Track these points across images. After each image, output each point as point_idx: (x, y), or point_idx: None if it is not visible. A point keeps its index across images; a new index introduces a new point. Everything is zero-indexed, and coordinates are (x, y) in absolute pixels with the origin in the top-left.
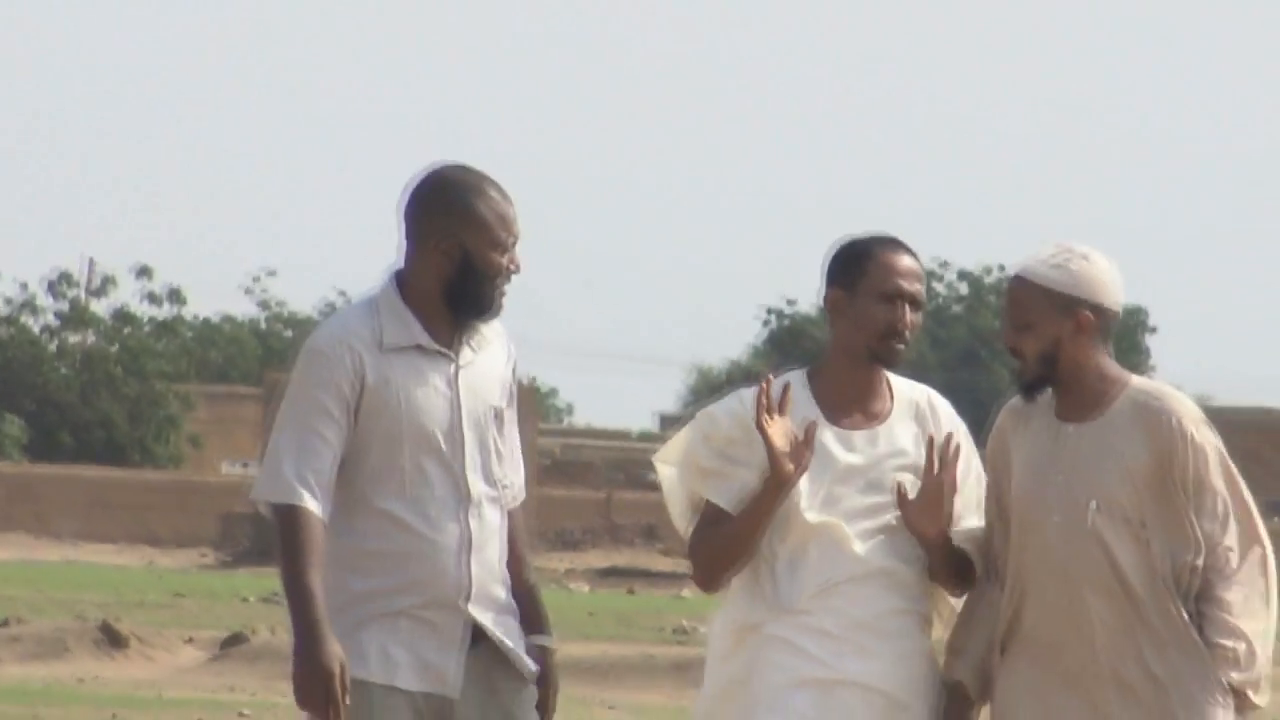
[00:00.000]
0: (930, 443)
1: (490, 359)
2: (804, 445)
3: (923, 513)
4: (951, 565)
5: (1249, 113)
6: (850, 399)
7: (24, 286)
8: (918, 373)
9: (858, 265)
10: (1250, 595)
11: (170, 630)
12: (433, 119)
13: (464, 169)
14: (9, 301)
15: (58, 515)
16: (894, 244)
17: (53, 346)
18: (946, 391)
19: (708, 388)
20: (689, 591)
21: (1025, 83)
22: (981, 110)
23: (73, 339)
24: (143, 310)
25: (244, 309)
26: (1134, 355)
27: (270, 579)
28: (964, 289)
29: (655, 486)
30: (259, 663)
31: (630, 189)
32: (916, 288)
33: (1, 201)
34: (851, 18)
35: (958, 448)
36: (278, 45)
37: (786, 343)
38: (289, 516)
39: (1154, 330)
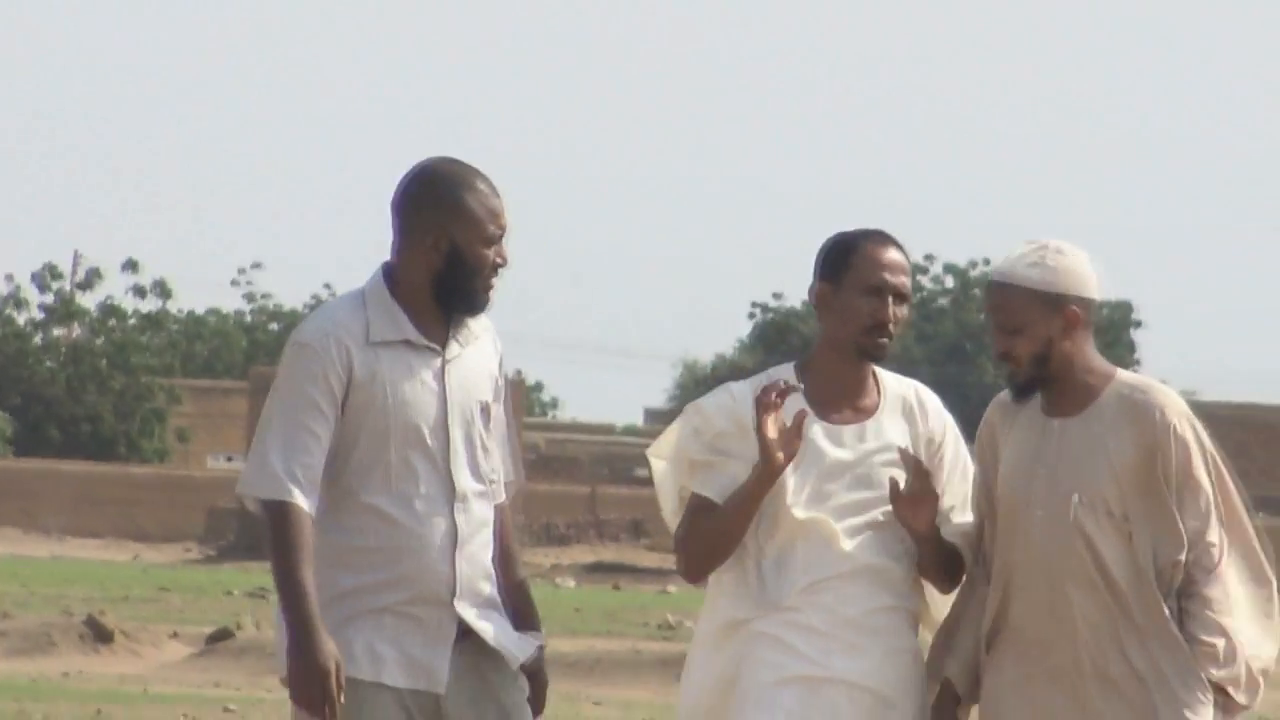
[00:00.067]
0: (920, 439)
1: (478, 354)
2: (794, 434)
3: (913, 506)
4: (940, 560)
5: (1236, 107)
6: (838, 394)
7: (10, 279)
8: (904, 367)
9: (844, 259)
10: (1231, 591)
11: (156, 625)
12: (421, 113)
13: (453, 163)
14: None
15: (44, 510)
16: (881, 237)
17: (39, 340)
18: (933, 386)
19: (695, 382)
20: (675, 587)
21: (1012, 78)
22: (969, 106)
23: (59, 333)
24: (129, 304)
25: (231, 303)
26: (1121, 350)
27: (256, 574)
28: (951, 283)
29: (641, 482)
30: (245, 658)
31: (618, 184)
32: (902, 281)
33: None
34: (839, 15)
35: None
36: (266, 40)
37: (774, 337)
38: (279, 512)
39: (1140, 325)
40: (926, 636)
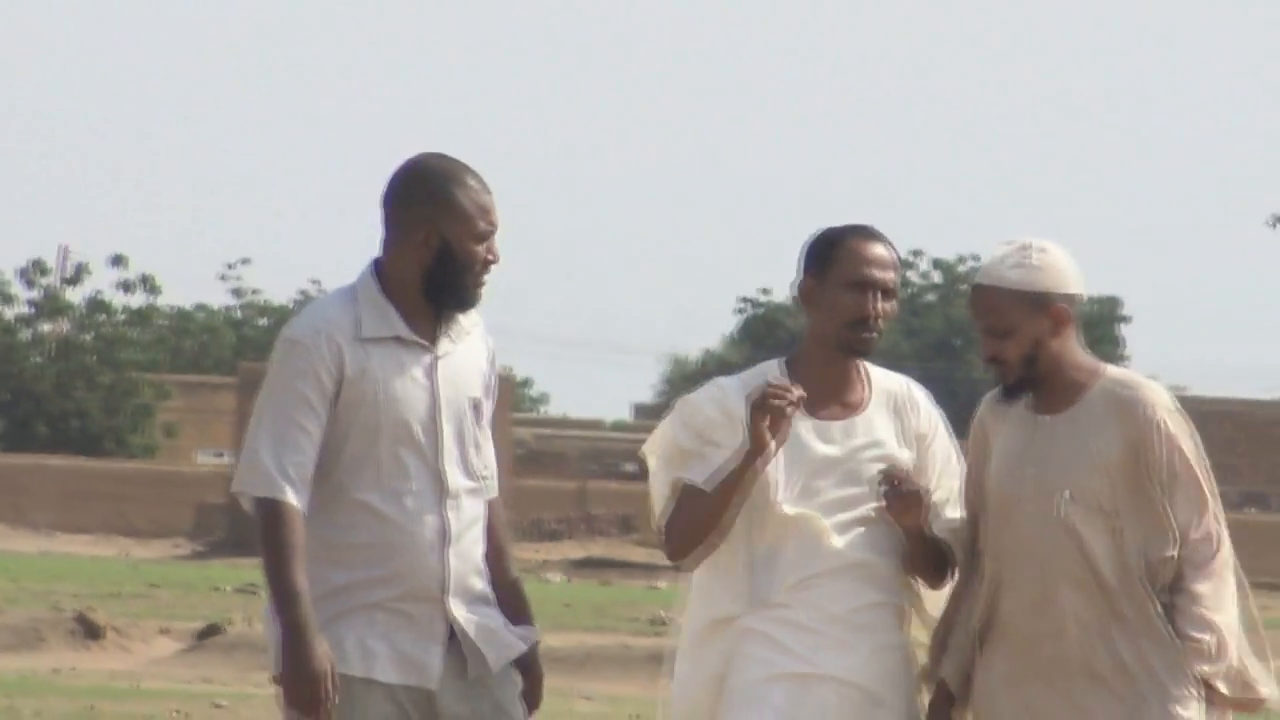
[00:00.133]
0: (910, 434)
1: (469, 350)
2: (782, 418)
3: (902, 506)
4: (930, 557)
5: (1223, 103)
6: (826, 390)
7: None
8: (892, 362)
9: (828, 254)
10: (1221, 587)
11: (146, 621)
12: (409, 109)
13: (444, 158)
14: None
15: (33, 505)
16: (866, 232)
17: (27, 335)
18: (921, 381)
19: (683, 378)
20: (665, 582)
21: (1000, 74)
22: (956, 102)
23: (47, 328)
24: (117, 299)
25: (219, 298)
26: (1108, 345)
27: (246, 570)
28: (938, 278)
29: (631, 477)
30: (235, 653)
31: (606, 180)
32: (887, 276)
33: None
34: (827, 11)
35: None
36: (253, 35)
37: (761, 333)
38: (272, 511)
39: (1128, 320)
40: (918, 635)
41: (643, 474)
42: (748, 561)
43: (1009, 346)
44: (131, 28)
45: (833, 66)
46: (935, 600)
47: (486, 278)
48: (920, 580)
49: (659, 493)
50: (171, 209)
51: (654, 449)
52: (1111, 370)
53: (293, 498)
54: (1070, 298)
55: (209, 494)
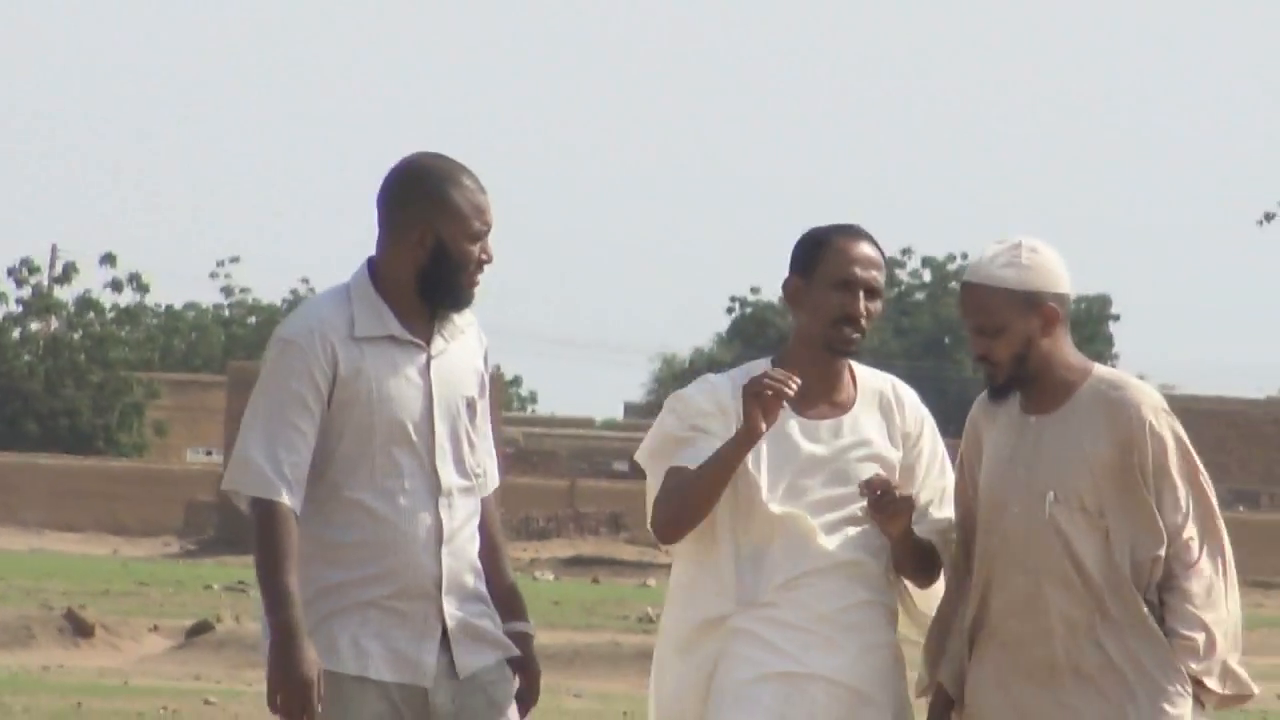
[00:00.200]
0: (897, 433)
1: (463, 349)
2: (775, 402)
3: (886, 511)
4: (916, 558)
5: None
6: (814, 389)
7: None
8: (881, 361)
9: (815, 253)
10: (1212, 585)
11: (136, 619)
12: (400, 108)
13: (439, 158)
14: None
15: (23, 504)
16: (853, 232)
17: (16, 334)
18: (910, 380)
19: (673, 376)
20: (654, 580)
21: (990, 73)
22: (946, 101)
23: (36, 326)
24: (107, 297)
25: (209, 297)
26: (1098, 344)
27: (235, 568)
28: (927, 276)
29: (620, 475)
30: (224, 651)
31: (598, 179)
32: (873, 275)
33: None
34: (817, 11)
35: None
36: (245, 35)
37: (751, 332)
38: (268, 512)
39: (1118, 319)
40: (906, 633)
41: (633, 472)
42: (734, 561)
43: (999, 345)
44: (122, 28)
45: (825, 67)
46: (923, 599)
47: (481, 277)
48: (907, 581)
49: (653, 485)
50: (162, 208)
51: (647, 446)
52: (1101, 370)
53: (287, 499)
54: (1060, 297)
55: (199, 492)
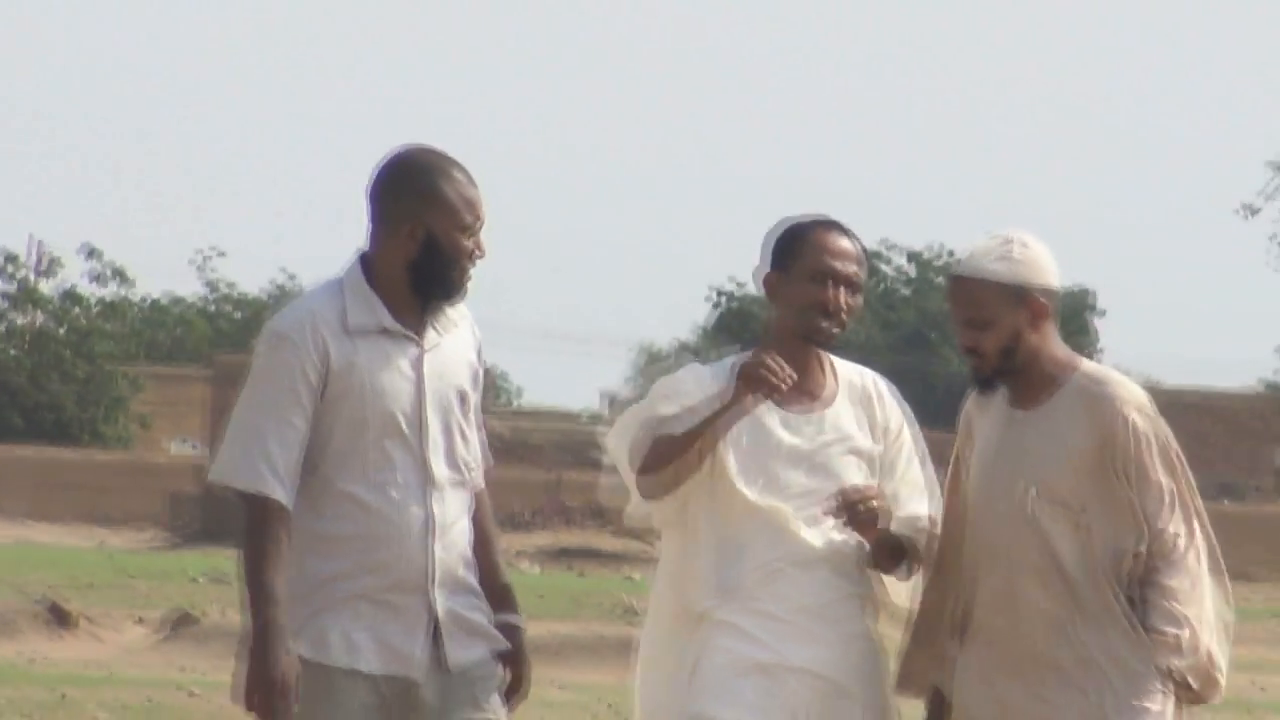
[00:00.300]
0: (877, 426)
1: (456, 342)
2: (769, 390)
3: (861, 522)
4: (889, 553)
5: (1195, 94)
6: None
7: None
8: (865, 355)
9: (792, 247)
10: (1194, 582)
11: (119, 610)
12: (384, 102)
13: (430, 152)
14: None
15: (7, 495)
16: (830, 225)
17: (1, 328)
18: (895, 373)
19: (653, 368)
20: (638, 573)
21: (971, 65)
22: (928, 93)
23: (20, 320)
24: (90, 291)
25: (192, 289)
26: (1081, 337)
27: (219, 559)
28: (912, 271)
29: (604, 468)
30: (208, 643)
31: (579, 172)
32: (850, 269)
33: None
34: (799, 3)
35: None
36: (228, 27)
37: (733, 324)
38: (259, 508)
39: (1101, 313)
40: (883, 627)
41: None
42: (715, 552)
43: (987, 338)
44: (104, 19)
45: (806, 59)
46: (894, 589)
47: (473, 270)
48: (880, 573)
49: (620, 444)
50: (145, 201)
51: (631, 418)
52: (1087, 366)
53: (279, 494)
54: (1050, 292)
55: (182, 484)
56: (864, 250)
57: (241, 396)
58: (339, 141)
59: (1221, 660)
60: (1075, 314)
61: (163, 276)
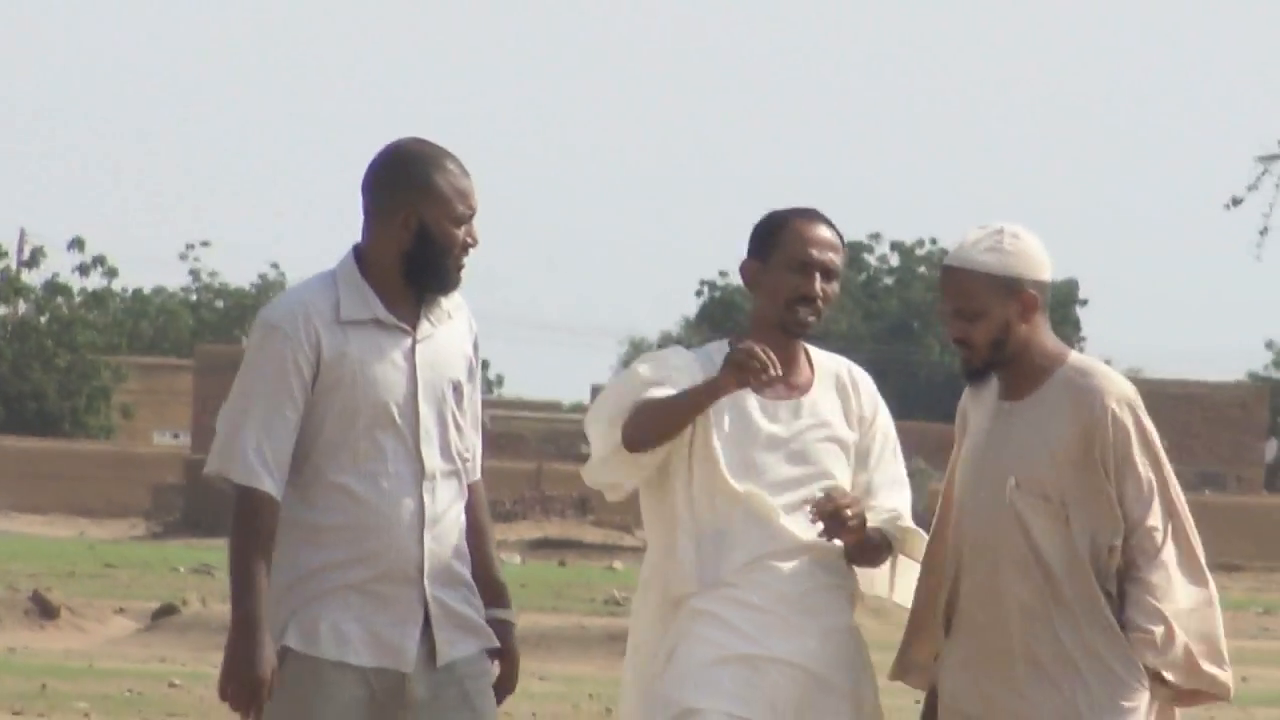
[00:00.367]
0: (853, 415)
1: (451, 332)
2: (754, 378)
3: (840, 527)
4: (863, 550)
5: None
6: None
7: None
8: (850, 344)
9: (772, 236)
10: (1173, 577)
11: (101, 601)
12: (372, 94)
13: (422, 143)
14: None
15: None
16: (809, 215)
17: None
18: (878, 364)
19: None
20: (621, 563)
21: (958, 57)
22: (913, 84)
23: (4, 310)
24: (74, 281)
25: (177, 280)
26: (1066, 328)
27: (202, 550)
28: (895, 261)
29: (587, 459)
30: (190, 633)
31: (566, 165)
32: (829, 258)
33: None
34: None
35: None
36: (215, 19)
37: (719, 315)
38: (249, 500)
39: (1085, 303)
40: (865, 622)
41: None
42: (696, 540)
43: (977, 330)
44: (91, 13)
45: (792, 53)
46: (866, 580)
47: (466, 261)
48: (855, 565)
49: (601, 403)
50: (130, 192)
51: (615, 388)
52: (1074, 358)
53: (270, 486)
54: (1040, 284)
55: (165, 475)
56: (842, 239)
57: (233, 387)
58: (331, 136)
59: (1208, 654)
60: (1059, 304)
61: (148, 268)
